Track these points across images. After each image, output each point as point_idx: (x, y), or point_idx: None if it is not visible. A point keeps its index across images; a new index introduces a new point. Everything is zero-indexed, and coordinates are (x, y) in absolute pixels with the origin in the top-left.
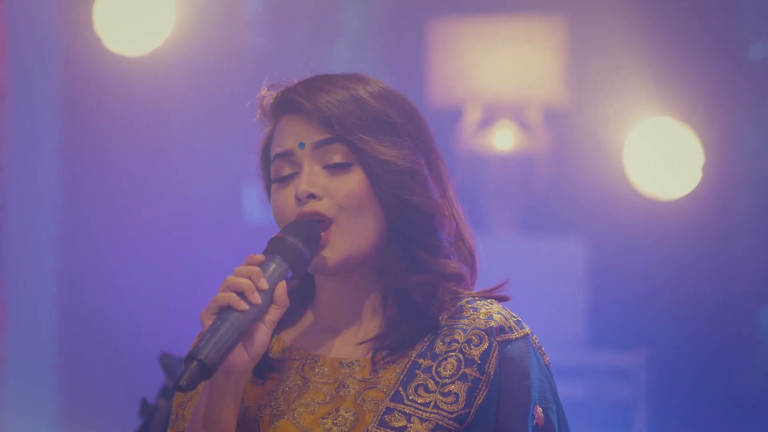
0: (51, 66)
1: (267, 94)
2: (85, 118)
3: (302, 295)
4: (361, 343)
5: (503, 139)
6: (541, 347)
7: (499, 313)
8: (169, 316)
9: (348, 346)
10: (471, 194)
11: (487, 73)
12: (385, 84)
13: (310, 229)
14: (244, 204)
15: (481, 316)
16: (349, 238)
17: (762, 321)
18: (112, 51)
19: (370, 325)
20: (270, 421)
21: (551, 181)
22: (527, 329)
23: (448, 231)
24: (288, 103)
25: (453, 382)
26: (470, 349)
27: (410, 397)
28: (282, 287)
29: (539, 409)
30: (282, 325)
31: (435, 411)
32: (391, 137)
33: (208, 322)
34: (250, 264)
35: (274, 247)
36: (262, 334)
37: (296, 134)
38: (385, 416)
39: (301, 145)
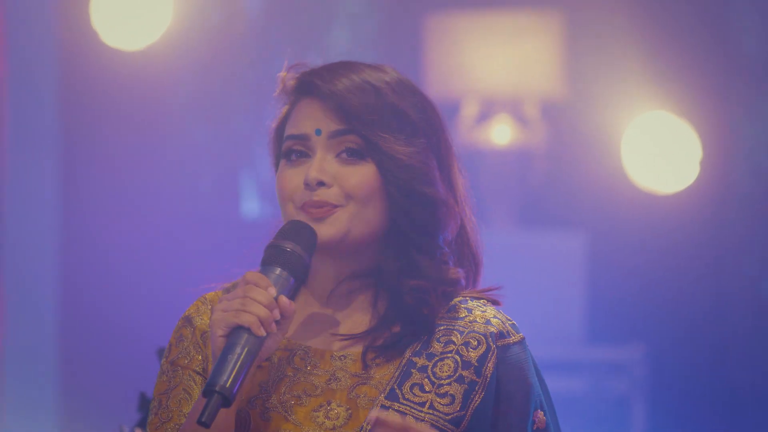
0: (48, 61)
1: (289, 75)
2: (83, 113)
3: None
4: (351, 337)
5: (500, 134)
6: None
7: (495, 317)
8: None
9: (338, 338)
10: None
11: (484, 67)
12: (408, 78)
13: (307, 231)
14: (242, 198)
15: (478, 319)
16: (352, 221)
17: (759, 315)
18: (109, 45)
19: (360, 319)
20: (261, 414)
21: (549, 176)
22: (522, 334)
23: (451, 231)
24: (309, 86)
25: (449, 384)
26: (467, 351)
27: (406, 396)
28: (286, 302)
29: (540, 413)
30: None
31: (430, 411)
32: (406, 133)
33: (220, 339)
34: (253, 283)
35: (275, 258)
36: (269, 348)
37: (314, 120)
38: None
39: (318, 132)
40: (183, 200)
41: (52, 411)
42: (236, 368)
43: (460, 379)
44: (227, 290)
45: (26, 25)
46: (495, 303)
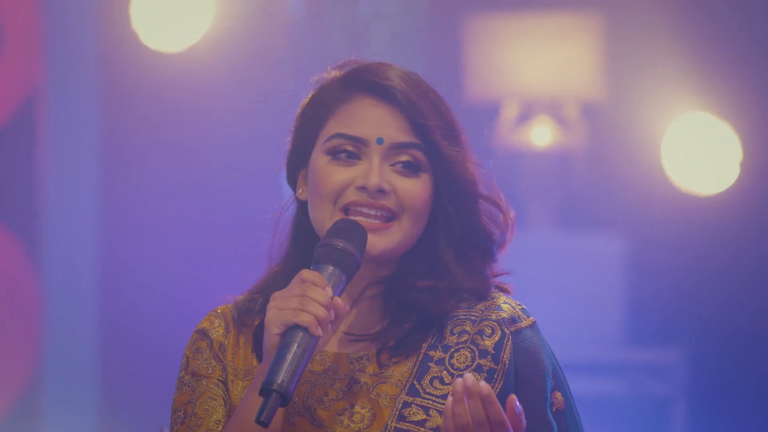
0: (88, 63)
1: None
2: (123, 115)
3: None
4: (364, 338)
5: (541, 135)
6: None
7: (506, 302)
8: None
9: (351, 340)
10: (508, 190)
11: (524, 68)
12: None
13: (359, 229)
14: (284, 201)
15: (489, 306)
16: (402, 235)
17: None
18: (150, 47)
19: (373, 320)
20: (286, 419)
21: (589, 177)
22: (533, 318)
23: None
24: (375, 86)
25: (469, 373)
26: (482, 339)
27: (426, 390)
28: (340, 304)
29: (558, 394)
30: None
31: None
32: (456, 144)
33: (276, 338)
34: (311, 282)
35: (329, 257)
36: (319, 348)
37: (379, 126)
38: (403, 410)
39: (380, 141)
40: (224, 203)
41: (92, 410)
42: (293, 367)
43: (479, 368)
44: (239, 302)
45: (66, 27)
46: (505, 291)
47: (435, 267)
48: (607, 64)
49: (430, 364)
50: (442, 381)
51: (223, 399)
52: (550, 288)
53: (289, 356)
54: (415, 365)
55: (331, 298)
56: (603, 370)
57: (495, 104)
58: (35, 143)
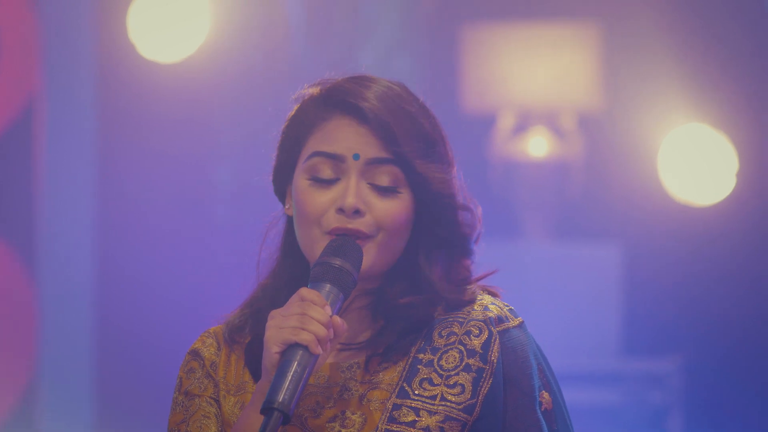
0: (85, 73)
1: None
2: (119, 125)
3: (297, 285)
4: (353, 347)
5: (537, 146)
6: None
7: (493, 303)
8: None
9: (341, 349)
10: (505, 200)
11: (520, 79)
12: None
13: (355, 248)
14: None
15: (476, 307)
16: (379, 254)
17: None
18: (146, 58)
19: (360, 328)
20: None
21: (585, 188)
22: (521, 318)
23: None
24: (350, 107)
25: (457, 374)
26: (470, 340)
27: (416, 392)
28: (339, 323)
29: (546, 394)
30: None
31: (443, 403)
32: (435, 159)
33: (275, 356)
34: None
35: (326, 275)
36: (318, 366)
37: (354, 143)
38: (394, 412)
39: (356, 157)
40: (221, 212)
41: (88, 416)
42: (294, 385)
43: (467, 368)
44: (230, 320)
45: (63, 37)
46: (493, 294)
47: (417, 282)
48: (604, 75)
49: (419, 366)
50: (431, 382)
51: (216, 416)
52: (547, 297)
53: (290, 374)
54: (404, 369)
55: (330, 317)
56: (599, 379)
57: (491, 114)
58: (32, 152)
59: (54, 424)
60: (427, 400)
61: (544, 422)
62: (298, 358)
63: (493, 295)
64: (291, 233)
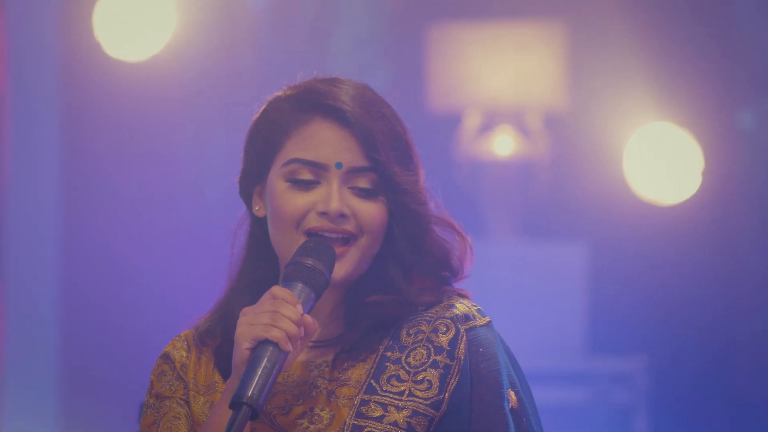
0: (50, 71)
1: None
2: (85, 124)
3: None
4: (322, 345)
5: (503, 145)
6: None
7: (461, 303)
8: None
9: (311, 347)
10: (471, 199)
11: (486, 78)
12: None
13: (329, 249)
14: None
15: (444, 306)
16: (361, 258)
17: (762, 324)
18: (112, 56)
19: (329, 326)
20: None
21: (551, 187)
22: (488, 317)
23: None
24: (330, 109)
25: (425, 370)
26: (437, 337)
27: (384, 388)
28: (310, 321)
29: (512, 393)
30: None
31: (410, 399)
32: (407, 164)
33: (246, 352)
34: (282, 299)
35: (299, 275)
36: (288, 363)
37: (336, 150)
38: (362, 408)
39: (338, 165)
40: (188, 210)
41: (53, 417)
42: (263, 381)
43: (435, 364)
44: (200, 324)
45: (29, 35)
46: (463, 297)
47: (385, 287)
48: (570, 74)
49: (387, 363)
50: (398, 379)
51: (186, 417)
52: (513, 296)
53: (260, 370)
54: (372, 366)
55: (302, 315)
56: (565, 378)
57: (457, 113)
58: None
59: (17, 425)
60: (395, 396)
61: (511, 420)
62: (269, 354)
63: (463, 297)
64: (258, 235)
